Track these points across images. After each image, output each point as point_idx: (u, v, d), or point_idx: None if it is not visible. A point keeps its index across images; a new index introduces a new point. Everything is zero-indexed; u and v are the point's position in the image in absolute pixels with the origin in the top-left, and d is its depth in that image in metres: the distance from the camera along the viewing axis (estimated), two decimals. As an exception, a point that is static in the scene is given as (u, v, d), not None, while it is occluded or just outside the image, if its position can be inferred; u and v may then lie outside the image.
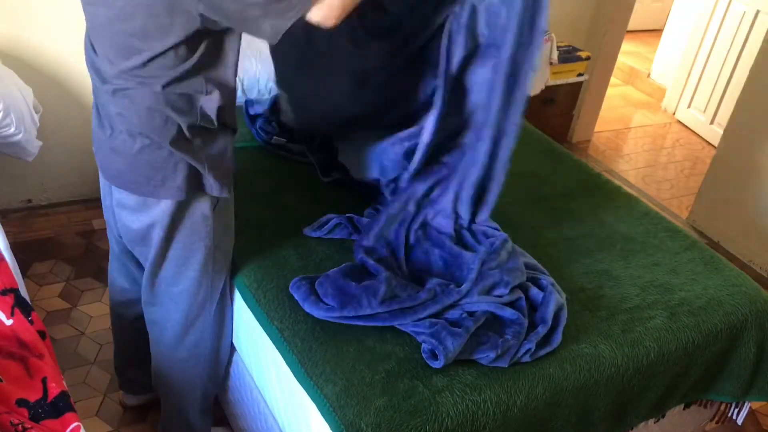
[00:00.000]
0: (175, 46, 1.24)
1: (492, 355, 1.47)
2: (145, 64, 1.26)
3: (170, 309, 1.62)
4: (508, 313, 1.56)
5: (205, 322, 1.64)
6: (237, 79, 1.56)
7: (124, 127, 1.36)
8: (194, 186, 1.42)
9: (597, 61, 3.67)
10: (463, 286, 1.59)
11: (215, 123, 1.38)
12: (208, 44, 1.28)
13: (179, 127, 1.34)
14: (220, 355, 1.76)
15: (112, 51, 1.29)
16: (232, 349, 1.82)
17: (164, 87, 1.29)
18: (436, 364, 1.45)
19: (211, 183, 1.43)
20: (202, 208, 1.47)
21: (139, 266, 1.72)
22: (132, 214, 1.48)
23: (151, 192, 1.42)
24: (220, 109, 1.37)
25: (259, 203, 1.91)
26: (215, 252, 1.55)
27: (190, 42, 1.25)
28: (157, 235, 1.48)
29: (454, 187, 1.79)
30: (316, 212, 1.87)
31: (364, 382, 1.40)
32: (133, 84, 1.29)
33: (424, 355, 1.47)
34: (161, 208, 1.44)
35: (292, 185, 2.02)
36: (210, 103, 1.34)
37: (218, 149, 1.43)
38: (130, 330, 1.87)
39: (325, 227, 1.82)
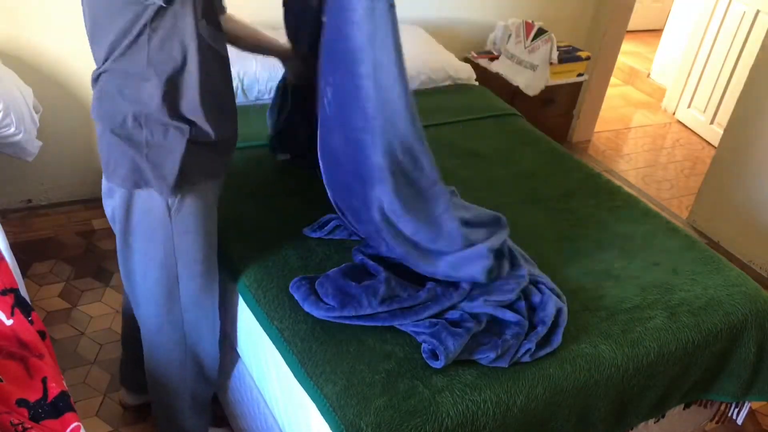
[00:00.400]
0: (123, 25, 1.28)
1: (492, 355, 1.47)
2: (106, 49, 1.31)
3: (141, 307, 1.61)
4: (508, 315, 1.56)
5: (175, 326, 1.62)
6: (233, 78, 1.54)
7: (94, 113, 1.41)
8: (142, 179, 1.40)
9: (597, 61, 3.67)
10: (463, 286, 1.59)
11: (160, 114, 1.34)
12: (154, 20, 1.27)
13: (125, 114, 1.34)
14: (207, 356, 1.72)
15: (89, 42, 1.36)
16: (233, 349, 1.82)
17: (112, 62, 1.32)
18: (437, 364, 1.44)
19: (150, 179, 1.39)
20: (156, 205, 1.43)
21: None
22: (104, 198, 1.52)
23: (108, 176, 1.44)
24: (170, 100, 1.33)
25: (259, 204, 1.91)
26: (181, 256, 1.51)
27: (136, 17, 1.27)
28: (118, 223, 1.49)
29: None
30: (316, 213, 1.87)
31: (364, 382, 1.40)
32: (101, 70, 1.35)
33: (424, 355, 1.47)
34: (118, 195, 1.45)
35: (292, 186, 2.02)
36: (150, 89, 1.32)
37: (165, 146, 1.37)
38: (135, 328, 1.87)
39: (326, 228, 1.82)
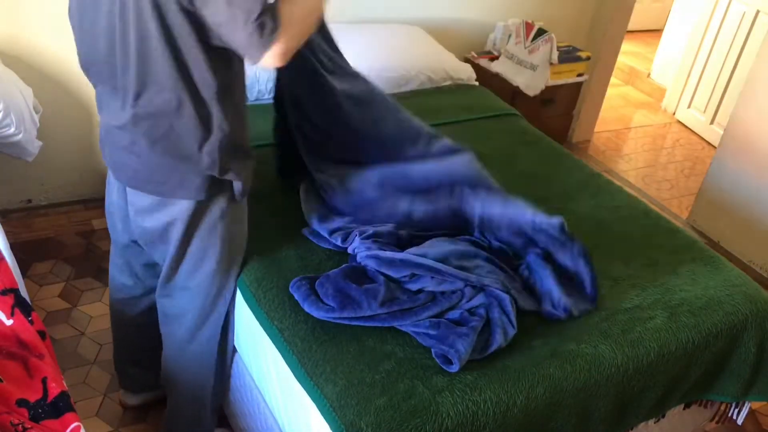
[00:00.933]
0: None
1: (502, 342, 1.51)
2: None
3: (185, 302, 1.63)
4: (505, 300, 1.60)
5: (218, 318, 1.66)
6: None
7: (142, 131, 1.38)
8: (214, 185, 1.45)
9: (597, 61, 3.67)
10: (462, 289, 1.60)
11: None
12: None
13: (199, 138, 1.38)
14: (227, 353, 1.77)
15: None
16: (233, 349, 1.82)
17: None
18: (453, 368, 1.44)
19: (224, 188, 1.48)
20: (220, 204, 1.50)
21: (144, 263, 1.72)
22: (149, 215, 1.50)
23: (170, 192, 1.43)
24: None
25: (259, 203, 1.91)
26: (230, 246, 1.58)
27: None
28: (177, 232, 1.50)
29: None
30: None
31: (364, 382, 1.40)
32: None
33: (438, 360, 1.47)
34: (180, 207, 1.46)
35: (292, 185, 2.02)
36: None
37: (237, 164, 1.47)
38: (130, 327, 1.88)
39: (333, 237, 1.79)
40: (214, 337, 1.69)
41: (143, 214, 1.51)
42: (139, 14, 1.23)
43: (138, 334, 1.84)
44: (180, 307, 1.65)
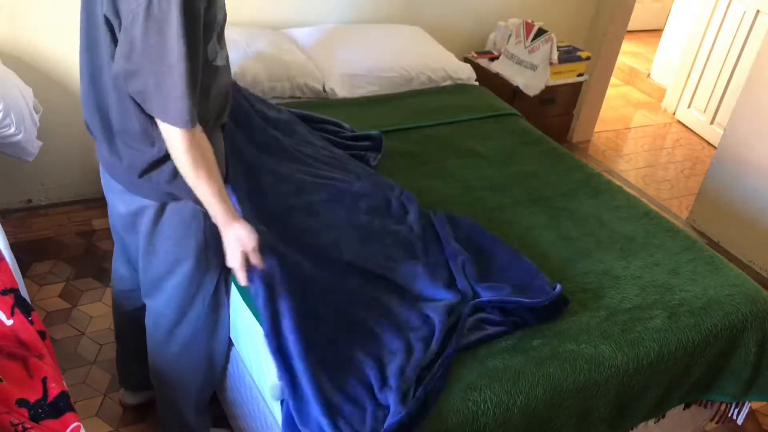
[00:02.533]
0: None
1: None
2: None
3: (163, 302, 1.62)
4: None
5: (198, 318, 1.64)
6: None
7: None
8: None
9: (597, 61, 3.67)
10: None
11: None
12: None
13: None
14: (216, 353, 1.75)
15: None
16: (231, 347, 1.82)
17: None
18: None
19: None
20: (191, 204, 1.47)
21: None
22: (119, 197, 1.52)
23: (135, 190, 1.46)
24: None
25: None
26: (207, 251, 1.55)
27: None
28: (145, 224, 1.49)
29: None
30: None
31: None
32: None
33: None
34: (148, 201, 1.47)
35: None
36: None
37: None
38: (129, 322, 1.88)
39: None
40: (196, 337, 1.67)
41: (115, 194, 1.53)
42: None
43: (136, 330, 1.84)
44: (158, 306, 1.64)
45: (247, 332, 1.68)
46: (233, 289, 1.71)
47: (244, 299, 1.65)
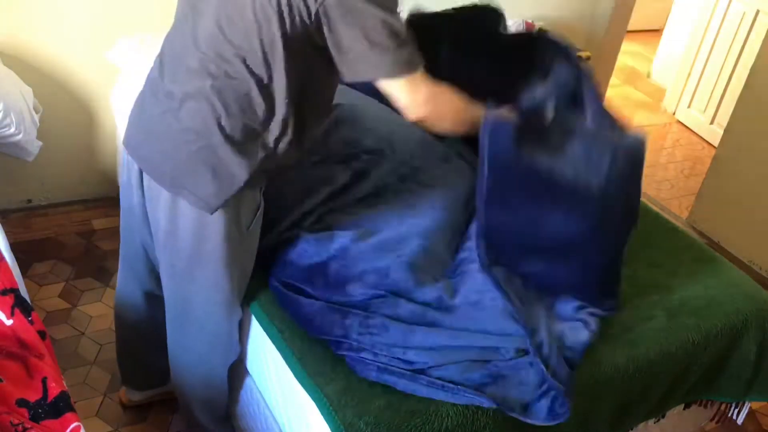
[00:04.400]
0: None
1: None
2: None
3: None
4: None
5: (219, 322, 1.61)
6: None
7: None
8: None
9: (597, 61, 3.67)
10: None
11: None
12: None
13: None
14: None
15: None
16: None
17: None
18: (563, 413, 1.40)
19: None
20: (227, 225, 1.43)
21: (153, 266, 1.70)
22: (161, 207, 1.46)
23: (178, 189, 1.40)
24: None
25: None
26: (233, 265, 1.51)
27: None
28: (185, 230, 1.45)
29: None
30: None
31: (364, 382, 1.40)
32: None
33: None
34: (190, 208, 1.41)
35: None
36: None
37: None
38: (133, 327, 1.86)
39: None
40: (218, 338, 1.63)
41: (158, 205, 1.47)
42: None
43: (140, 333, 1.84)
44: (183, 302, 1.60)
45: (247, 332, 1.68)
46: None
47: (245, 299, 1.65)
